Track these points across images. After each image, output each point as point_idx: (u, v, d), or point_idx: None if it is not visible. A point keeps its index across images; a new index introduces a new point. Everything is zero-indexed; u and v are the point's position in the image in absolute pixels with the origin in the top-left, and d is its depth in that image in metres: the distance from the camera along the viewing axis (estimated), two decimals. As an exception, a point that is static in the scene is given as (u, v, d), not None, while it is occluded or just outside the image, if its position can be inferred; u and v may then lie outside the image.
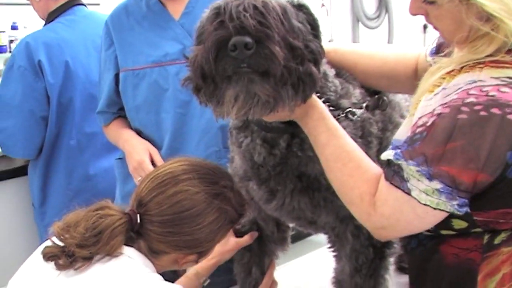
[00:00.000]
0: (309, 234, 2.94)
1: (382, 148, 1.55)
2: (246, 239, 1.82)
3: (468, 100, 1.16)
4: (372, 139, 1.56)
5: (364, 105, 1.55)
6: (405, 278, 1.96)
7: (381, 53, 1.63)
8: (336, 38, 5.35)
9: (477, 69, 1.20)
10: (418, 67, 1.56)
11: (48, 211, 2.79)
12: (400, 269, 2.05)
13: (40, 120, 2.68)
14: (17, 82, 2.64)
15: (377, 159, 1.42)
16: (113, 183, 2.33)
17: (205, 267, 1.79)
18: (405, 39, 5.80)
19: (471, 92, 1.17)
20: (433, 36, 1.51)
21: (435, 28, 1.28)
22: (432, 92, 1.23)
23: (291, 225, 1.86)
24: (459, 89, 1.19)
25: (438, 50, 1.47)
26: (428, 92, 1.24)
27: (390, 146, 1.28)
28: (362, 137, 1.53)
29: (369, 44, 1.73)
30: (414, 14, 1.29)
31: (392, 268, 1.75)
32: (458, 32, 1.23)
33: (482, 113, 1.14)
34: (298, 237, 2.92)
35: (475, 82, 1.18)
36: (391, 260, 1.71)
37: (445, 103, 1.18)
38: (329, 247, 1.72)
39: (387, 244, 1.64)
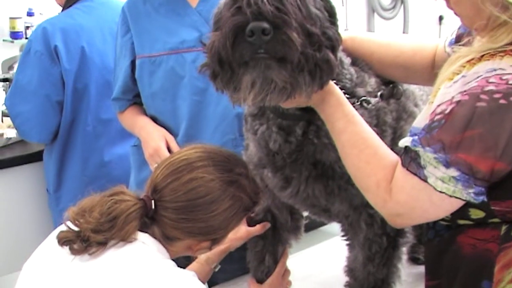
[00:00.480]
0: (322, 224, 2.95)
1: (396, 138, 1.55)
2: (257, 229, 1.83)
3: (487, 88, 1.15)
4: (386, 128, 1.55)
5: (378, 93, 1.55)
6: (418, 269, 1.97)
7: (399, 43, 1.62)
8: (352, 28, 5.33)
9: (498, 57, 1.19)
10: (436, 58, 1.55)
11: (63, 196, 2.80)
12: (413, 260, 2.05)
13: (55, 105, 2.69)
14: (34, 67, 2.65)
15: (391, 148, 1.42)
16: (127, 170, 2.34)
17: (215, 253, 1.79)
18: (421, 30, 5.76)
19: (491, 80, 1.15)
20: (448, 28, 1.50)
21: (456, 14, 1.28)
22: (451, 80, 1.22)
23: (305, 214, 1.86)
24: (478, 77, 1.17)
25: (457, 41, 1.46)
26: (447, 80, 1.23)
27: (409, 133, 1.27)
28: (377, 126, 1.52)
29: (386, 34, 1.72)
30: None
31: (404, 258, 1.75)
32: (477, 18, 1.22)
33: (502, 101, 1.13)
34: (311, 226, 2.92)
35: (495, 70, 1.17)
36: (404, 249, 1.71)
37: (464, 91, 1.17)
38: (342, 236, 1.72)
39: (401, 233, 1.64)
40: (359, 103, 1.49)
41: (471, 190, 1.18)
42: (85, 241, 1.38)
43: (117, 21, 2.21)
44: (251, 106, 1.56)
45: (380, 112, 1.54)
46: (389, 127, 1.56)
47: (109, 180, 2.51)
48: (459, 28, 1.48)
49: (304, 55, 1.25)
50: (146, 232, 1.44)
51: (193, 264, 1.81)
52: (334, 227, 1.81)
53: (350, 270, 1.73)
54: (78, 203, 1.46)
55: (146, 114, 2.18)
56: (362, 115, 1.43)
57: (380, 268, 1.64)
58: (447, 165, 1.18)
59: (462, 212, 1.25)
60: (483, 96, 1.14)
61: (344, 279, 1.75)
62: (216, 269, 1.84)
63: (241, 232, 1.81)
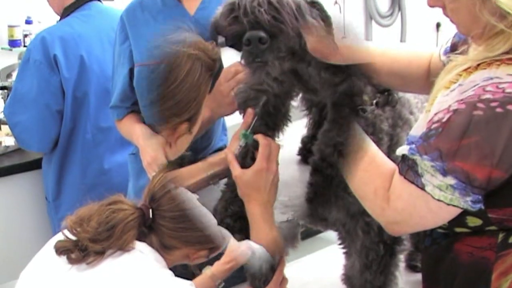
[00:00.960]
0: (319, 232, 2.94)
1: (392, 145, 1.55)
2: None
3: (484, 97, 1.15)
4: (383, 136, 1.55)
5: (374, 101, 1.55)
6: (415, 277, 1.96)
7: (394, 51, 1.62)
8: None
9: (494, 66, 1.19)
10: (431, 67, 1.55)
11: (62, 204, 2.80)
12: (411, 268, 2.04)
13: (55, 114, 2.70)
14: (33, 76, 2.65)
15: (388, 156, 1.42)
16: (127, 178, 2.34)
17: (221, 270, 1.78)
18: (418, 38, 5.76)
19: (488, 88, 1.16)
20: (446, 35, 1.50)
21: (452, 21, 1.28)
22: (448, 89, 1.22)
23: (301, 222, 1.86)
24: (475, 85, 1.18)
25: (452, 50, 1.46)
26: (444, 88, 1.23)
27: (406, 142, 1.27)
28: (373, 133, 1.52)
29: (382, 42, 1.73)
30: (432, 6, 1.28)
31: (402, 266, 1.75)
32: (474, 27, 1.22)
33: (498, 109, 1.14)
34: (308, 234, 2.92)
35: (491, 78, 1.17)
36: (401, 257, 1.71)
37: (461, 100, 1.17)
38: (339, 244, 1.72)
39: (398, 240, 1.64)
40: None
41: (468, 198, 1.18)
42: (83, 250, 1.38)
43: (115, 29, 2.22)
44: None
45: (376, 119, 1.54)
46: (386, 135, 1.57)
47: (108, 188, 2.48)
48: (454, 37, 1.48)
49: None
50: (143, 241, 1.44)
51: (198, 279, 1.80)
52: (331, 234, 1.80)
53: (347, 278, 1.73)
54: (76, 211, 1.46)
55: (144, 122, 2.17)
56: (358, 123, 1.44)
57: (377, 276, 1.64)
58: (444, 173, 1.18)
59: (459, 219, 1.25)
60: (479, 105, 1.15)
61: (342, 286, 1.75)
62: (220, 287, 1.84)
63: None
